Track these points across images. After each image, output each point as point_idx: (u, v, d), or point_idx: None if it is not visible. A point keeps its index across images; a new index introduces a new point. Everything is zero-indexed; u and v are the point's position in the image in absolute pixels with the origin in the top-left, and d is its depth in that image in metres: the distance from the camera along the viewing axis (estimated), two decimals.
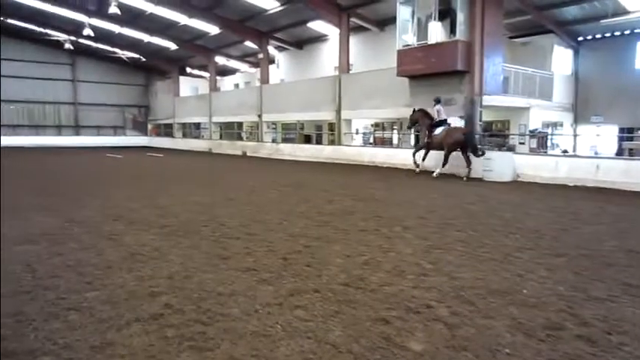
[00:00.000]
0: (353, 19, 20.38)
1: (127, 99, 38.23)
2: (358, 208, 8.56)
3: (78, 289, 4.04)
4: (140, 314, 3.48)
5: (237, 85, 33.17)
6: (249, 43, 26.82)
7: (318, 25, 23.22)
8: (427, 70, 15.19)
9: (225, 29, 24.17)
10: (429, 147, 14.06)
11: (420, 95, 16.01)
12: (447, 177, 13.82)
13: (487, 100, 14.93)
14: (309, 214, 7.90)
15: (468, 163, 13.18)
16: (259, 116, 24.61)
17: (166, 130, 36.08)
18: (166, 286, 4.13)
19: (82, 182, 12.61)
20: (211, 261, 5.02)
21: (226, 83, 33.69)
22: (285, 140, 25.81)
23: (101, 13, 25.32)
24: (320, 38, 25.17)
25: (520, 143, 17.20)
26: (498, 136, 18.17)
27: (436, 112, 13.90)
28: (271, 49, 26.53)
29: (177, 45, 28.58)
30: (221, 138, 29.34)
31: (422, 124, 14.10)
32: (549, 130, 19.12)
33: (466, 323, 3.37)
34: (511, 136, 17.71)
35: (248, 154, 24.56)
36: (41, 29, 30.17)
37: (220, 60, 30.52)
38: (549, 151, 17.52)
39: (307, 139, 25.63)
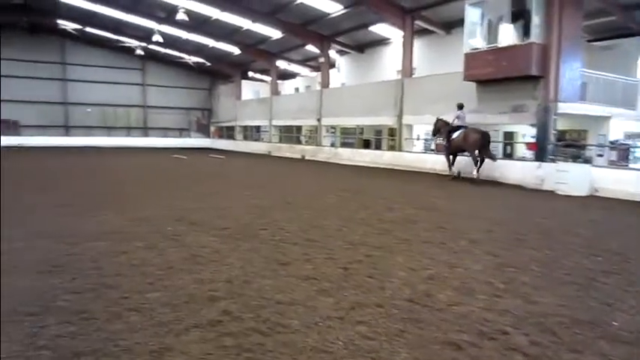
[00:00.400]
0: (417, 22, 19.89)
1: (192, 102, 39.81)
2: (420, 217, 8.20)
3: (140, 289, 4.06)
4: (199, 320, 3.41)
5: (297, 89, 33.53)
6: (310, 47, 27.00)
7: (380, 29, 22.92)
8: (497, 74, 14.43)
9: (287, 33, 24.47)
10: (448, 151, 14.93)
11: (488, 101, 15.26)
12: (501, 185, 13.14)
13: (562, 107, 13.91)
14: (369, 221, 7.66)
15: (481, 163, 13.79)
16: (319, 120, 24.65)
17: (228, 133, 37.14)
18: (225, 291, 4.07)
19: (150, 182, 13.13)
20: (270, 266, 4.93)
21: (287, 87, 34.17)
22: (343, 145, 25.70)
23: (170, 19, 26.49)
24: (382, 42, 24.84)
25: (598, 155, 15.90)
26: (574, 146, 16.93)
27: (455, 117, 14.61)
28: (332, 53, 26.55)
29: (241, 49, 29.33)
30: (280, 141, 29.72)
31: (443, 131, 15.02)
32: (632, 142, 17.54)
33: (549, 356, 3.00)
34: (588, 147, 16.43)
35: (306, 157, 24.66)
36: (116, 37, 32.12)
37: (281, 64, 30.99)
38: (632, 165, 16.06)
39: (366, 144, 25.34)
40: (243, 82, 35.03)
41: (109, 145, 34.49)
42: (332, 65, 26.72)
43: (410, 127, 20.08)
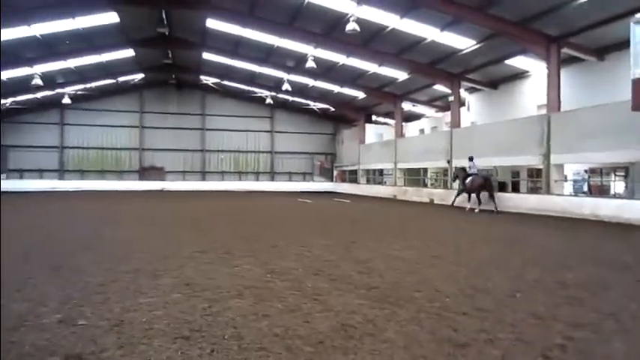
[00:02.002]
0: (564, 50, 17.70)
1: (316, 147, 40.76)
2: (611, 279, 6.37)
3: None
4: None
5: (422, 131, 32.32)
6: (437, 87, 25.89)
7: (517, 61, 21.01)
8: None
9: (414, 74, 23.73)
10: (465, 191, 18.92)
11: None
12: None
13: None
14: (545, 283, 6.09)
15: (492, 199, 17.86)
16: (449, 162, 23.02)
17: (351, 177, 37.00)
18: None
19: (279, 226, 12.83)
20: (443, 348, 3.77)
21: (410, 129, 33.18)
22: None
23: (298, 68, 27.54)
24: (518, 75, 22.77)
25: None
26: None
27: (468, 167, 18.92)
28: (461, 92, 25.04)
29: (365, 93, 29.31)
30: (405, 184, 28.46)
31: (460, 177, 19.25)
32: None
33: None
34: None
35: (435, 201, 23.03)
36: (249, 87, 34.50)
37: (406, 106, 30.20)
38: None
39: (501, 187, 22.93)
40: (367, 125, 34.90)
41: (239, 189, 36.53)
42: (461, 104, 25.17)
43: (560, 166, 17.53)
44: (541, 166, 18.11)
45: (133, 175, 36.88)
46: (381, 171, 33.71)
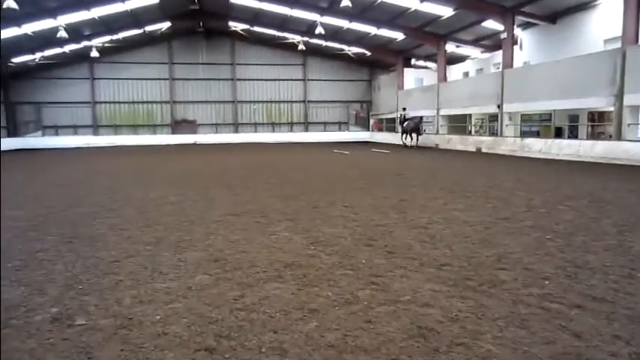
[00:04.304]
0: None
1: (351, 95, 38.83)
2: None
3: None
4: None
5: (466, 74, 29.80)
6: (485, 24, 23.33)
7: None
8: None
9: (461, 9, 21.31)
10: (404, 132, 26.04)
11: None
12: None
13: None
14: None
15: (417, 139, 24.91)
16: (499, 107, 20.96)
17: (388, 125, 35.17)
18: None
19: (317, 183, 11.69)
20: (568, 356, 2.61)
21: (453, 72, 30.63)
22: (524, 134, 21.54)
23: (332, 9, 25.44)
24: (582, 6, 20.01)
25: None
26: None
27: (404, 114, 26.91)
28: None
29: (405, 34, 26.93)
30: (448, 132, 26.54)
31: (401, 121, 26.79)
32: None
33: None
34: None
35: (483, 150, 21.27)
36: (280, 33, 32.58)
37: (449, 47, 27.67)
38: None
39: (558, 133, 20.90)
40: (405, 70, 32.55)
41: (273, 141, 35.54)
42: (514, 42, 22.63)
43: (633, 108, 15.39)
44: (609, 109, 16.01)
45: (165, 128, 36.40)
46: (421, 118, 31.67)
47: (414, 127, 24.95)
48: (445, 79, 27.35)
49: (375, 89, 37.89)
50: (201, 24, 32.01)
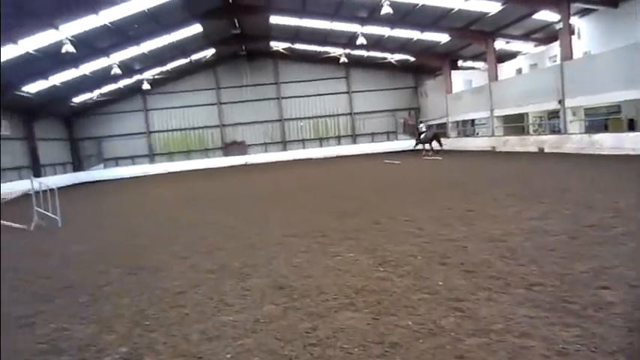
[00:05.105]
0: None
1: (397, 103, 38.15)
2: None
3: None
4: None
5: (519, 70, 28.40)
6: (537, 16, 22.16)
7: None
8: None
9: (509, 3, 20.34)
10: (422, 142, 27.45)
11: None
12: None
13: None
14: None
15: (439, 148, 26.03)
16: (560, 102, 19.67)
17: (439, 131, 34.07)
18: None
19: (372, 196, 11.30)
20: None
21: (504, 70, 29.31)
22: (587, 129, 20.05)
23: (373, 18, 25.14)
24: None
25: None
26: None
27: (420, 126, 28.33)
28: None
29: (450, 35, 26.10)
30: (504, 133, 25.26)
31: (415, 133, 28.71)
32: None
33: None
34: None
35: (546, 150, 20.01)
36: (321, 48, 32.65)
37: (498, 44, 26.54)
38: None
39: (630, 126, 19.36)
40: (452, 72, 31.54)
41: (322, 156, 35.46)
42: (571, 32, 21.27)
43: None
44: None
45: (217, 151, 37.24)
46: (472, 121, 30.53)
47: (433, 137, 26.94)
48: (496, 78, 26.20)
49: (422, 95, 37.03)
50: (243, 47, 32.71)
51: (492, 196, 9.27)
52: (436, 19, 24.43)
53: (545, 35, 24.67)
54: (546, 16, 21.48)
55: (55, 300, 5.01)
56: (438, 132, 28.02)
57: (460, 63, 32.18)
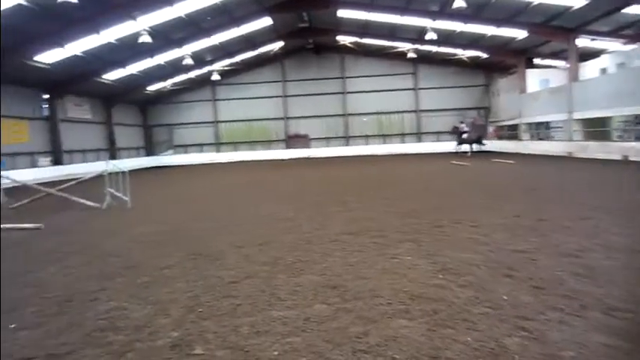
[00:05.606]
0: None
1: (466, 102, 36.69)
2: None
3: None
4: None
5: (603, 70, 26.22)
6: (627, 10, 20.27)
7: None
8: None
9: None
10: (464, 142, 28.68)
11: None
12: None
13: None
14: None
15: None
16: None
17: (509, 133, 32.41)
18: None
19: (437, 198, 10.88)
20: None
21: (587, 70, 27.18)
22: None
23: (444, 12, 24.24)
24: None
25: None
26: None
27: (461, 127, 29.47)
28: None
29: (528, 31, 24.57)
30: (584, 138, 23.43)
31: (456, 132, 29.68)
32: None
33: None
34: None
35: (630, 158, 18.34)
36: (389, 42, 32.04)
37: (580, 42, 24.62)
38: None
39: None
40: (527, 71, 29.75)
41: (384, 153, 34.94)
42: None
43: None
44: None
45: (280, 144, 37.87)
46: (547, 124, 28.63)
47: (476, 138, 28.21)
48: (577, 78, 24.37)
49: (494, 94, 35.32)
50: (310, 41, 32.86)
51: (568, 206, 8.57)
52: (513, 13, 23.11)
53: (637, 32, 22.57)
54: (637, 10, 19.59)
55: (118, 278, 5.22)
56: (482, 134, 29.43)
57: (537, 61, 30.31)
